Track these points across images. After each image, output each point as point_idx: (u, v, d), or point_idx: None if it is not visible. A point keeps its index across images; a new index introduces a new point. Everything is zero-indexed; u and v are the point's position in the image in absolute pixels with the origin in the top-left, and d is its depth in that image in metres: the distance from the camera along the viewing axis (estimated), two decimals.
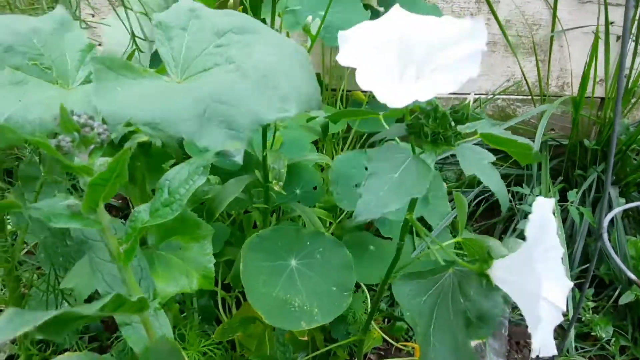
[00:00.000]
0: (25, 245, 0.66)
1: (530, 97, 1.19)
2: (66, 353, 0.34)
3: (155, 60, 0.54)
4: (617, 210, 0.74)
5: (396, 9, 0.36)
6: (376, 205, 0.33)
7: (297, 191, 0.72)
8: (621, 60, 0.59)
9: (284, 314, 0.47)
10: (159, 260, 0.40)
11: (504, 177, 1.21)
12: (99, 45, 0.68)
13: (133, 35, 0.49)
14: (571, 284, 0.38)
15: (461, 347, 0.38)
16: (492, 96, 1.17)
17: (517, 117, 1.10)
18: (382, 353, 0.96)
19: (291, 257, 0.52)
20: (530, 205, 1.04)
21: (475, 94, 1.21)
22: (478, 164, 0.37)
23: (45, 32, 0.39)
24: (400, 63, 0.36)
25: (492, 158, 0.39)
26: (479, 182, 1.21)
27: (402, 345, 0.89)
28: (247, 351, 0.73)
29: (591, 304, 0.94)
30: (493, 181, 0.36)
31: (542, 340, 0.35)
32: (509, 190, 1.14)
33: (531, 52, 1.14)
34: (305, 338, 0.69)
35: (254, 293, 0.47)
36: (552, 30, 1.12)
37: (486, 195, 1.20)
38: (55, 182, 0.51)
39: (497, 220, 1.18)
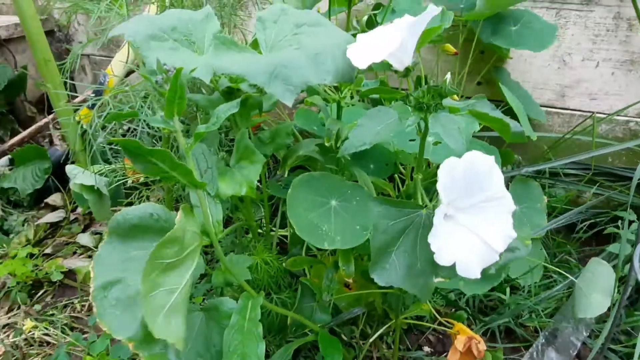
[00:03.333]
0: None
1: None
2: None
3: None
4: None
5: (399, 19, 0.50)
6: (356, 143, 0.49)
7: (371, 166, 0.87)
8: None
9: (312, 233, 0.63)
10: (229, 173, 0.60)
11: (621, 204, 1.12)
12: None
13: None
14: (514, 235, 0.46)
15: (417, 271, 0.49)
16: (608, 116, 1.11)
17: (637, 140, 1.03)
18: (440, 337, 1.03)
19: (332, 197, 0.67)
20: (633, 232, 0.98)
21: (604, 113, 1.15)
22: (446, 126, 0.47)
23: (196, 20, 0.63)
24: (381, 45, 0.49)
25: (462, 124, 0.48)
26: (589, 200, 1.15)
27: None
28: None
29: None
30: (453, 139, 0.45)
31: (467, 265, 0.44)
32: (609, 215, 1.07)
33: None
34: (351, 280, 0.82)
35: (295, 213, 0.64)
36: None
37: (596, 219, 1.14)
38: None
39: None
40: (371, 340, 0.89)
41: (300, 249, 1.00)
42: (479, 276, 0.44)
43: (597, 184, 1.14)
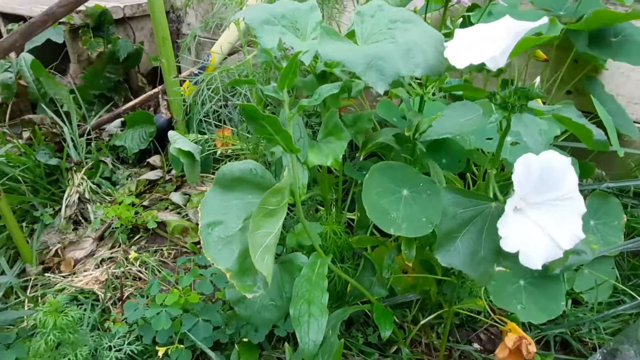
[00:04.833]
0: None
1: None
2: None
3: None
4: None
5: (504, 20, 0.53)
6: (439, 131, 0.53)
7: (444, 160, 0.91)
8: None
9: (382, 217, 0.67)
10: (317, 146, 0.68)
11: None
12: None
13: None
14: (582, 236, 0.47)
15: (480, 258, 0.52)
16: None
17: None
18: (492, 336, 1.04)
19: (405, 187, 0.71)
20: None
21: None
22: (528, 126, 0.49)
23: (302, 10, 0.71)
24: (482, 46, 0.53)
25: (545, 127, 0.50)
26: None
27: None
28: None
29: None
30: (533, 139, 0.48)
31: (529, 254, 0.47)
32: None
33: None
34: (410, 264, 0.87)
35: (368, 197, 0.69)
36: None
37: None
38: None
39: None
40: (421, 323, 0.93)
41: (364, 233, 1.07)
42: (539, 267, 0.47)
43: None
